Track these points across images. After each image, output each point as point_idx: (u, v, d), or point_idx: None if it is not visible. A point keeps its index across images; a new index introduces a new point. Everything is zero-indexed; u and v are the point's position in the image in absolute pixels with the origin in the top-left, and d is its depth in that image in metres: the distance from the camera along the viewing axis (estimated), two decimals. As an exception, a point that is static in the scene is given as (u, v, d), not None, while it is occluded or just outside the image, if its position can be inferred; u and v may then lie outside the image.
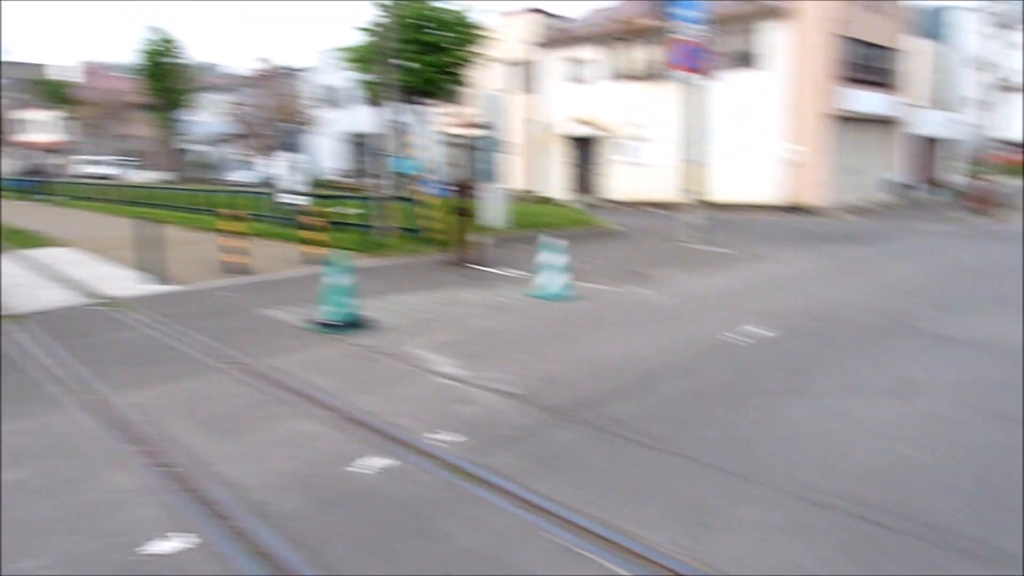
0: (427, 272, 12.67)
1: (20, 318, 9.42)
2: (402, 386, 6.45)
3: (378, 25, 19.21)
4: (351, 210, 19.55)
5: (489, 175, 17.34)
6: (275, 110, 25.58)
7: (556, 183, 34.54)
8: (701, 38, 17.32)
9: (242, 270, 12.55)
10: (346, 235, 16.47)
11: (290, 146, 17.44)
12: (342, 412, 5.78)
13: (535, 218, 19.57)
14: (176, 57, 34.91)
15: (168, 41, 34.79)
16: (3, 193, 33.72)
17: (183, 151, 43.34)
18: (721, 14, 23.69)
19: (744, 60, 28.01)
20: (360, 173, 41.31)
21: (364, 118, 40.44)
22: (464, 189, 13.56)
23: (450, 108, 32.65)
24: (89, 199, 32.35)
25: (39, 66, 63.09)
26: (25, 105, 67.56)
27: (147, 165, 49.11)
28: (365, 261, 13.83)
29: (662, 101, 29.18)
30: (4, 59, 61.88)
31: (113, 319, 9.30)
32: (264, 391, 6.33)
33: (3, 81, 54.66)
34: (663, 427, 5.48)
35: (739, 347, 7.72)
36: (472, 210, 13.69)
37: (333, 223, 17.99)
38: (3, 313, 9.61)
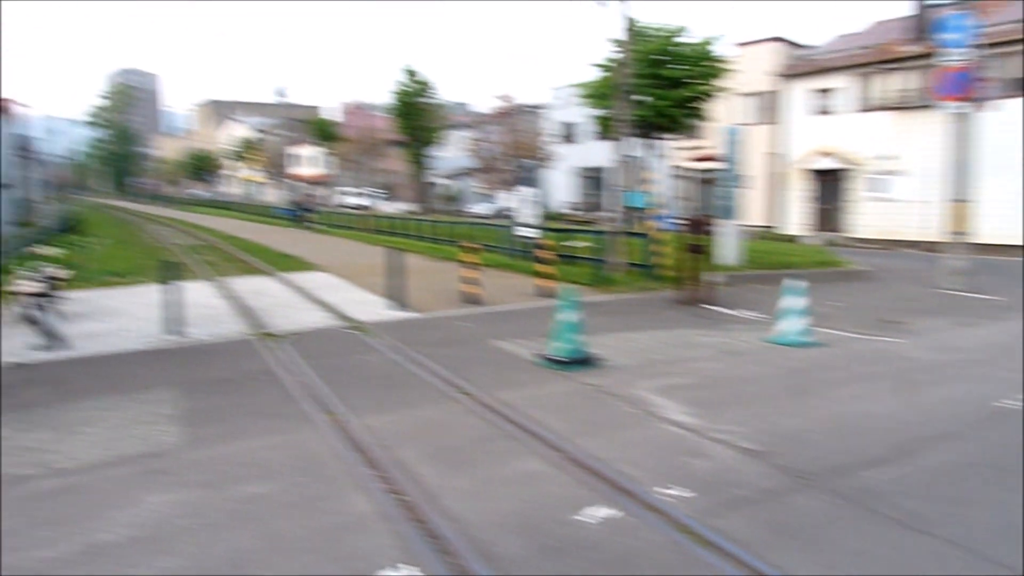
0: (658, 310, 12.35)
1: (278, 337, 10.34)
2: (630, 431, 6.21)
3: (614, 61, 19.28)
4: (583, 244, 19.72)
5: (725, 211, 16.71)
6: (513, 145, 26.59)
7: (796, 219, 32.75)
8: (970, 63, 15.62)
9: (479, 300, 12.96)
10: (577, 269, 16.59)
11: (527, 180, 17.90)
12: (568, 454, 5.65)
13: (773, 257, 18.57)
14: (426, 97, 37.54)
15: (420, 82, 37.51)
16: (276, 221, 37.81)
17: (429, 184, 46.34)
18: (993, 36, 21.35)
19: (1021, 87, 25.00)
20: (593, 207, 41.79)
21: (598, 153, 40.98)
22: (698, 225, 13.12)
23: (686, 142, 32.17)
24: (344, 227, 35.41)
25: (310, 107, 70.69)
26: (297, 142, 75.96)
27: (397, 197, 53.07)
28: (595, 296, 13.78)
29: (919, 132, 26.82)
30: (282, 101, 70.05)
31: (359, 342, 9.92)
32: (493, 425, 6.36)
33: (281, 121, 61.71)
34: (925, 504, 4.79)
35: (1018, 415, 6.66)
36: (706, 247, 13.20)
37: (565, 257, 18.28)
38: (263, 331, 10.61)
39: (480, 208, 44.67)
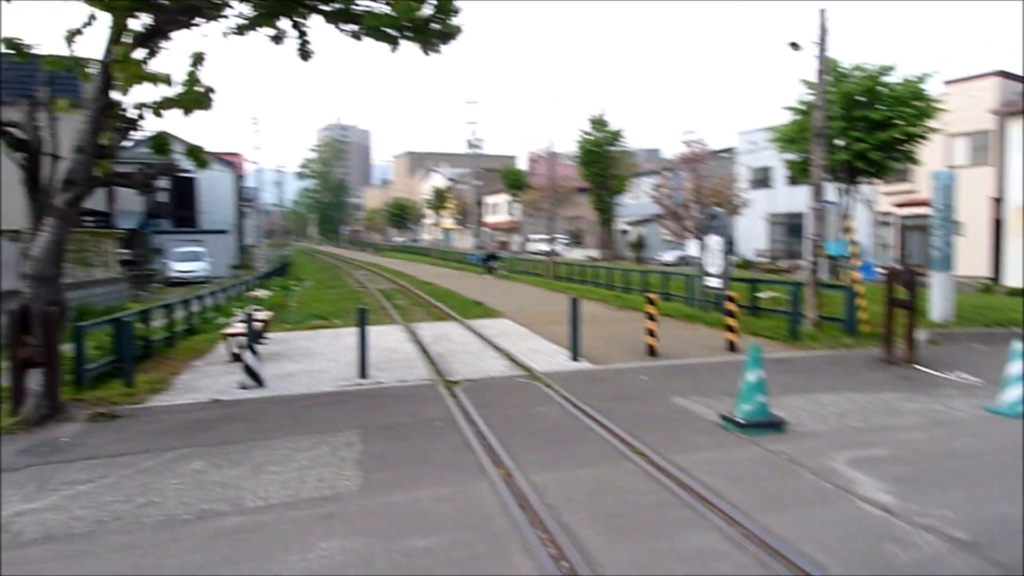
0: (855, 369, 11.35)
1: (457, 383, 10.48)
2: (819, 508, 5.61)
3: (808, 104, 18.35)
4: (773, 295, 18.72)
5: (937, 260, 15.23)
6: (700, 191, 25.98)
7: (1021, 270, 29.41)
8: None
9: (662, 353, 12.54)
10: (767, 322, 15.72)
11: (713, 228, 17.30)
12: (748, 530, 5.17)
13: (994, 312, 16.66)
14: (614, 144, 37.69)
15: (608, 131, 37.74)
16: (468, 267, 39.05)
17: (617, 231, 46.32)
18: None
19: None
20: (787, 255, 39.88)
21: (792, 198, 39.15)
22: (905, 276, 12.00)
23: (892, 186, 29.99)
24: (530, 274, 35.97)
25: (504, 157, 73.24)
26: (488, 190, 78.84)
27: (583, 243, 53.45)
28: (786, 352, 12.94)
29: None
30: (475, 151, 73.24)
31: (534, 393, 9.84)
32: (668, 490, 5.99)
33: (473, 171, 64.30)
34: None
35: None
36: (913, 300, 12.02)
37: (756, 308, 17.41)
38: (444, 378, 10.80)
39: (668, 256, 43.94)
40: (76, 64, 9.44)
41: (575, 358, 12.00)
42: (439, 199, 74.47)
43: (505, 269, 39.75)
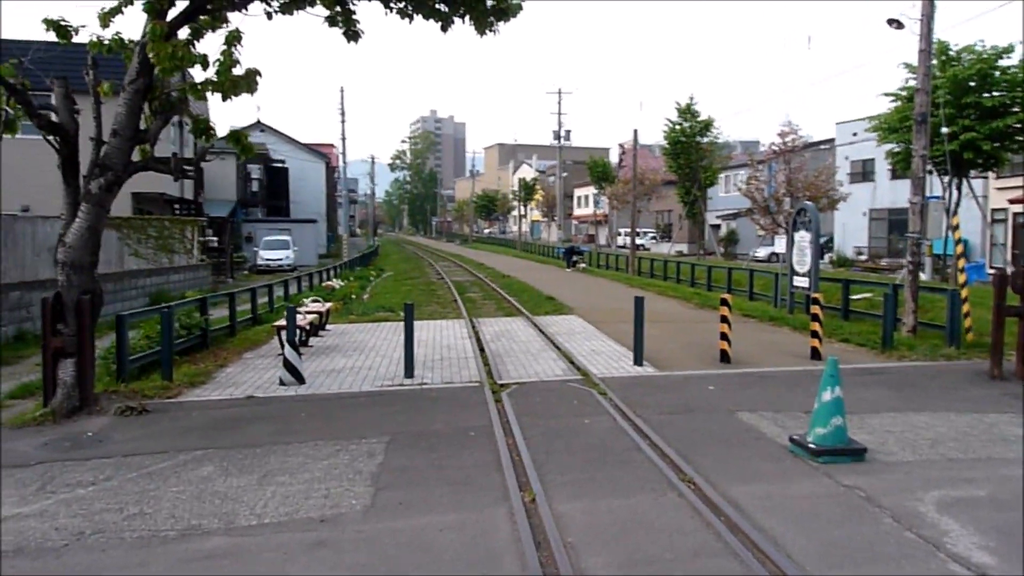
0: (956, 384, 10.01)
1: (506, 387, 9.73)
2: (895, 566, 4.59)
3: (910, 89, 16.72)
4: (868, 296, 17.22)
5: (1057, 264, 13.54)
6: (791, 184, 24.40)
7: None
8: None
9: (737, 359, 11.46)
10: (858, 327, 14.36)
11: (804, 223, 15.99)
12: (804, 592, 4.23)
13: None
14: (702, 135, 36.04)
15: (698, 120, 36.12)
16: (551, 260, 38.22)
17: (708, 225, 44.58)
18: None
19: None
20: (888, 253, 37.48)
21: (896, 192, 36.68)
22: (1019, 279, 10.53)
23: (1006, 180, 27.55)
24: (610, 268, 34.89)
25: (597, 149, 71.94)
26: (578, 183, 77.68)
27: (672, 238, 51.82)
28: (876, 361, 11.66)
29: None
30: (567, 144, 72.20)
31: (585, 401, 8.99)
32: (712, 532, 5.07)
33: (561, 163, 63.31)
34: None
35: None
36: (1029, 309, 10.54)
37: (847, 311, 15.99)
38: (494, 380, 10.06)
39: (761, 252, 41.92)
40: (119, 46, 9.12)
41: (638, 362, 11.07)
42: (526, 191, 73.74)
43: (587, 263, 38.76)
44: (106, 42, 9.06)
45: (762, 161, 28.40)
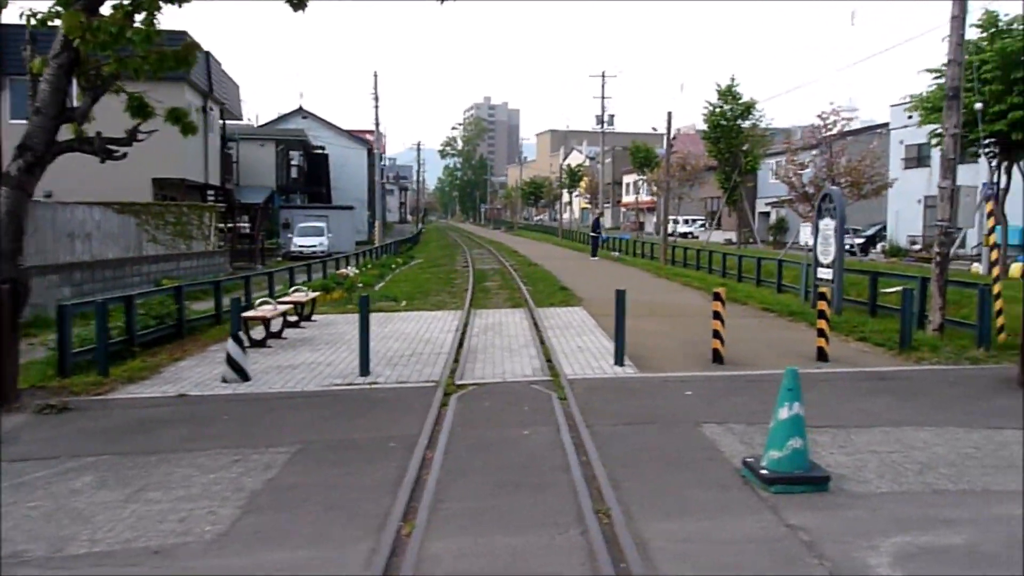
0: (975, 393, 8.76)
1: (462, 387, 8.89)
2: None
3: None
4: (899, 290, 15.82)
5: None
6: (834, 171, 22.92)
7: None
8: None
9: (731, 359, 10.38)
10: (886, 323, 13.07)
11: (829, 210, 14.75)
12: None
13: None
14: (743, 117, 34.41)
15: (739, 103, 34.52)
16: (587, 249, 37.00)
17: (747, 212, 42.89)
18: None
19: None
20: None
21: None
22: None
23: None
24: (644, 257, 33.62)
25: (646, 135, 70.12)
26: (629, 170, 75.99)
27: (717, 225, 50.18)
28: (891, 363, 10.47)
29: None
30: (615, 130, 70.65)
31: (539, 407, 8.07)
32: (603, 583, 4.14)
33: (608, 148, 61.87)
34: None
35: None
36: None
37: (874, 305, 14.67)
38: (453, 381, 9.22)
39: (802, 239, 40.09)
40: (50, 18, 8.48)
41: (619, 362, 10.08)
42: (570, 177, 72.40)
43: (621, 251, 37.52)
44: (39, 15, 8.47)
45: (805, 148, 26.88)
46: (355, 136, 61.82)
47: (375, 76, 48.08)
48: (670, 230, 57.39)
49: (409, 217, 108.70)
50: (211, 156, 31.41)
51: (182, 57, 8.51)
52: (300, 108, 58.80)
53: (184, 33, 26.70)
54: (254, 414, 7.92)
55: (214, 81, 30.98)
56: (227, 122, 37.90)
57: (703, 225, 61.12)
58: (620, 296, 10.19)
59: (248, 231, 36.10)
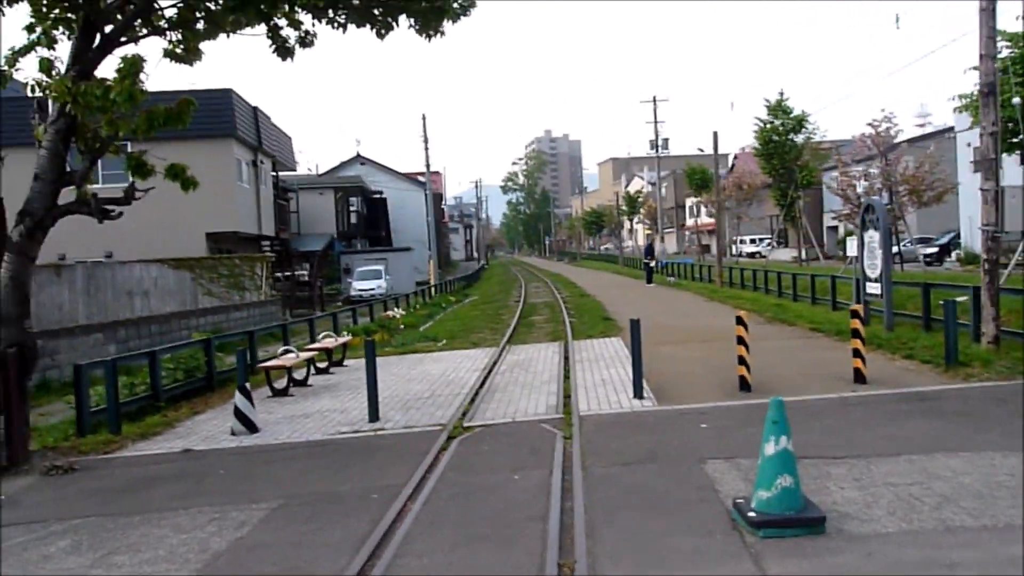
0: (1027, 412, 8.02)
1: (469, 430, 8.60)
2: None
3: (1003, 61, 14.41)
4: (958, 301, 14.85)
5: None
6: (891, 179, 22.01)
7: None
8: None
9: (760, 386, 9.80)
10: (929, 338, 12.26)
11: (872, 222, 14.03)
12: None
13: None
14: (796, 132, 33.35)
15: (790, 118, 33.52)
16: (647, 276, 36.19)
17: (809, 227, 41.49)
18: None
19: None
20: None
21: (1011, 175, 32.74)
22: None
23: None
24: (701, 280, 32.73)
25: (700, 157, 69.08)
26: (688, 193, 74.83)
27: (787, 243, 48.82)
28: (936, 382, 9.74)
29: None
30: (672, 154, 69.75)
31: (538, 448, 7.71)
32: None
33: (668, 173, 61.09)
34: None
35: None
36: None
37: (929, 320, 13.78)
38: (463, 423, 8.94)
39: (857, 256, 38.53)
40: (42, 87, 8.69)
41: (638, 394, 9.64)
42: (630, 204, 71.64)
43: (677, 275, 36.71)
44: (44, 84, 8.70)
45: (860, 160, 25.92)
46: (412, 178, 62.74)
47: (423, 119, 48.72)
48: (736, 251, 56.24)
49: (475, 254, 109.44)
50: (264, 207, 32.17)
51: (175, 114, 8.60)
52: (358, 155, 60.12)
53: (230, 91, 27.78)
54: (249, 467, 7.81)
55: (263, 135, 31.83)
56: (284, 173, 38.90)
57: (770, 244, 59.61)
58: (635, 326, 9.78)
59: (307, 278, 36.73)
